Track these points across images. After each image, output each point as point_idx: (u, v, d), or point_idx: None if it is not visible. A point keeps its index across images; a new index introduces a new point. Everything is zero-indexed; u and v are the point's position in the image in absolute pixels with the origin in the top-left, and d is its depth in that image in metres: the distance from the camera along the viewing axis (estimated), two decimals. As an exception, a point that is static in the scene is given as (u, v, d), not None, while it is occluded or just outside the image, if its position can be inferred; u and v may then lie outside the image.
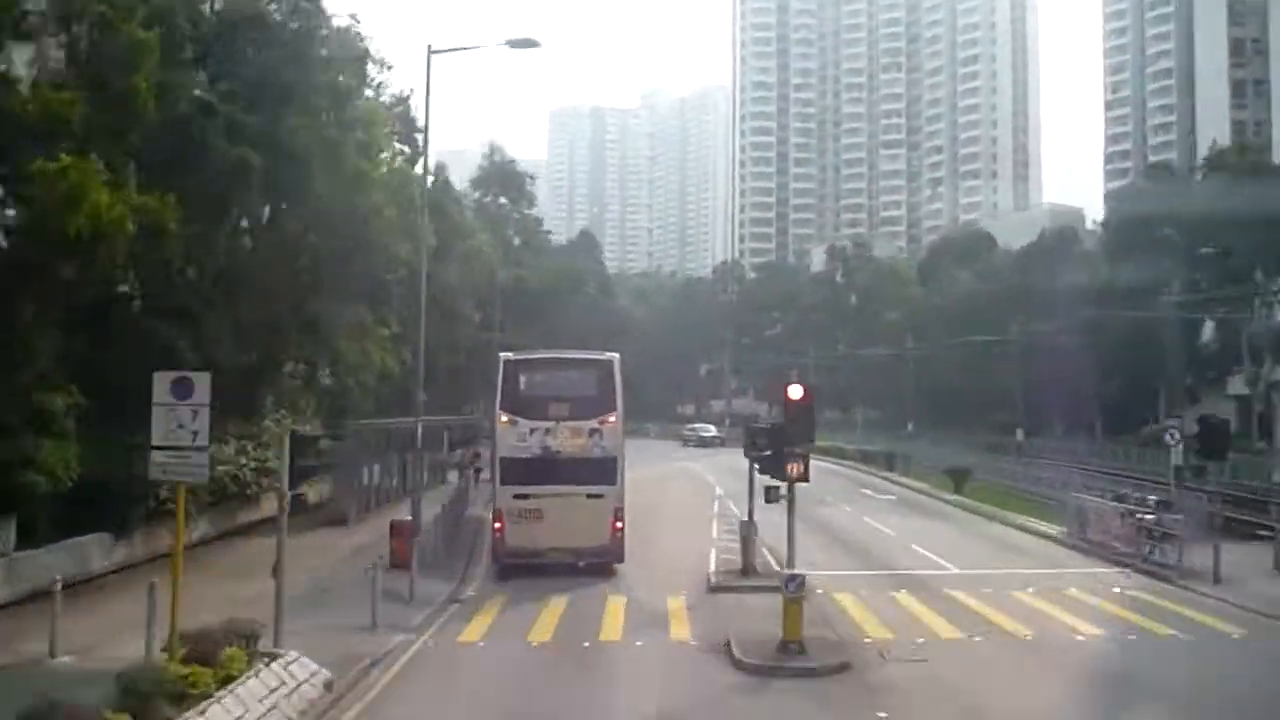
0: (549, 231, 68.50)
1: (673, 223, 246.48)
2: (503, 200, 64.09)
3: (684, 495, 42.16)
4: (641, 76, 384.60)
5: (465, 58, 50.72)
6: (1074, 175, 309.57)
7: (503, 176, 62.44)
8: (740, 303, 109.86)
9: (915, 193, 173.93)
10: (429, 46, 26.51)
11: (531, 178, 64.28)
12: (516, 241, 65.28)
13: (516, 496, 23.86)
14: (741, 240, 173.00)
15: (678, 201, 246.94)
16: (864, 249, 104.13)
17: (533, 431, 23.85)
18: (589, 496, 23.88)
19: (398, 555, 22.33)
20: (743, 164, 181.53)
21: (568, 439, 23.91)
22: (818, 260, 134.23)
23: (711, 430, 79.20)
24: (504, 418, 24.27)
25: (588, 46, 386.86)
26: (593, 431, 24.00)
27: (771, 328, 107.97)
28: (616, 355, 25.42)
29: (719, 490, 40.50)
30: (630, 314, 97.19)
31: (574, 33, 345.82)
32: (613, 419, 24.06)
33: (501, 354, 25.79)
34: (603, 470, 23.93)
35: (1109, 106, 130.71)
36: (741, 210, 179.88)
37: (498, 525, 24.09)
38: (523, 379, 25.01)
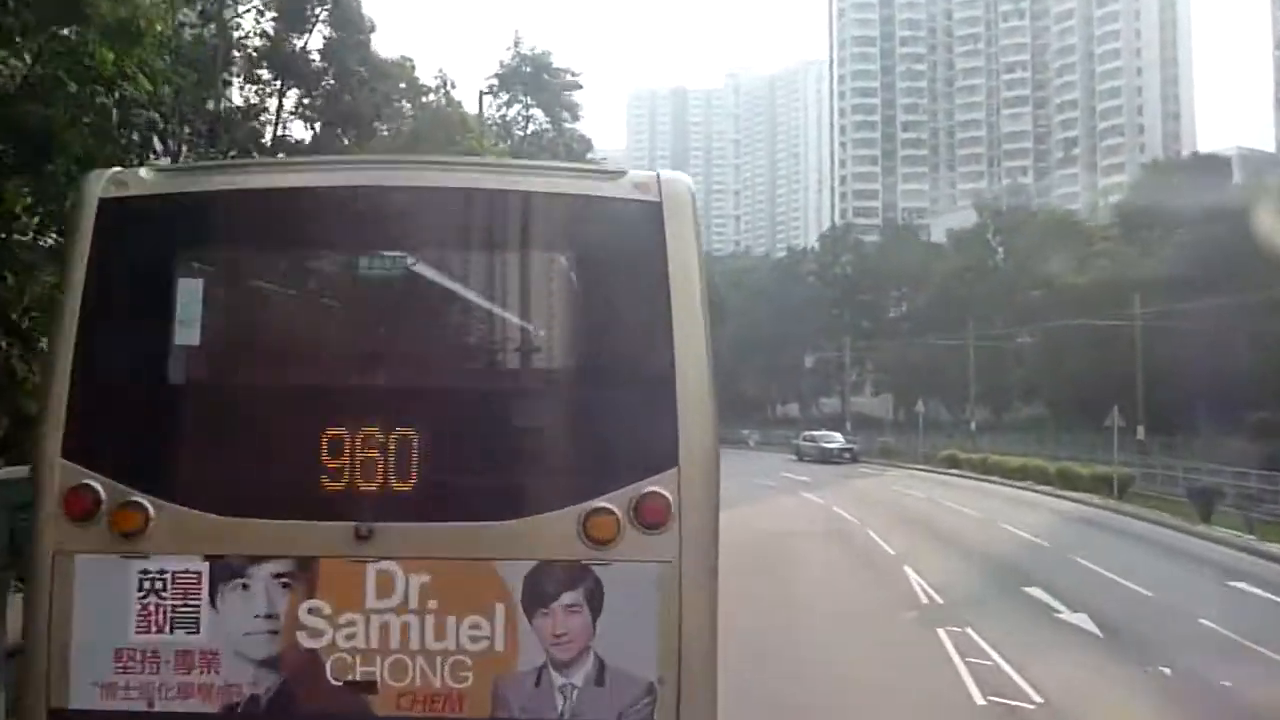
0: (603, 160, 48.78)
1: (761, 207, 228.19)
2: (534, 111, 44.46)
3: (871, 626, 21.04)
4: (725, 55, 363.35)
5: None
6: (1230, 124, 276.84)
7: (534, 72, 42.81)
8: (857, 276, 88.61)
9: (1044, 156, 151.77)
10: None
11: (574, 76, 44.33)
12: (556, 169, 45.98)
13: None
14: (842, 216, 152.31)
15: (767, 185, 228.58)
16: (1024, 198, 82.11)
17: (235, 581, 4.68)
18: None
19: None
20: (843, 130, 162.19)
21: (423, 621, 4.65)
22: (938, 232, 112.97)
23: (838, 440, 58.21)
24: (84, 498, 4.66)
25: (667, 28, 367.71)
26: (557, 579, 4.69)
27: (896, 306, 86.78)
28: (681, 183, 5.20)
29: (927, 589, 20.08)
30: (721, 297, 76.88)
31: (653, 15, 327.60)
32: (665, 497, 4.75)
33: (92, 176, 5.21)
34: None
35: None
36: (842, 183, 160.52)
37: None
38: (194, 306, 5.00)
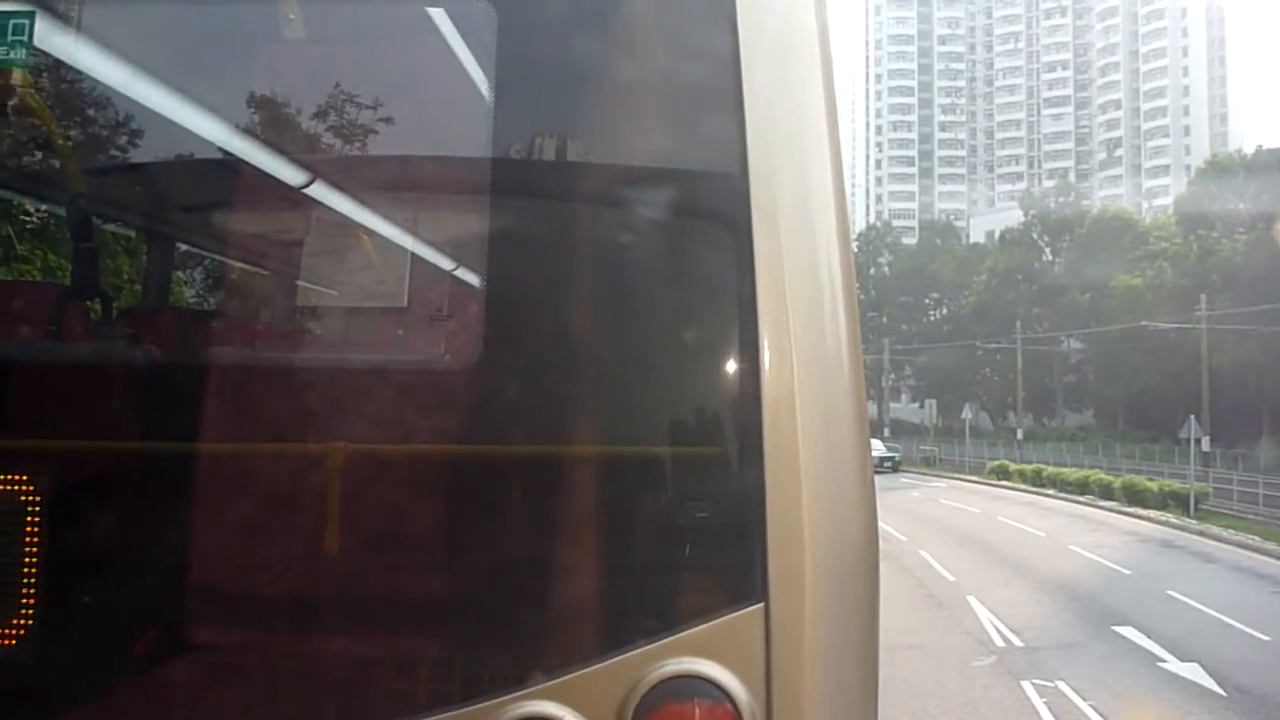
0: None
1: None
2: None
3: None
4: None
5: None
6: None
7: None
8: (895, 278, 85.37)
9: (1085, 157, 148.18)
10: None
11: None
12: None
13: None
14: (878, 217, 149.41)
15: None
16: (1072, 195, 78.63)
17: None
18: None
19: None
20: (879, 130, 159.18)
21: None
22: (976, 233, 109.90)
23: (879, 448, 54.84)
24: None
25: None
26: None
27: (936, 309, 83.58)
28: None
29: (1000, 627, 17.45)
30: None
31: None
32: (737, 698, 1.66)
33: None
34: None
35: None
36: (878, 184, 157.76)
37: None
38: None
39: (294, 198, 2.27)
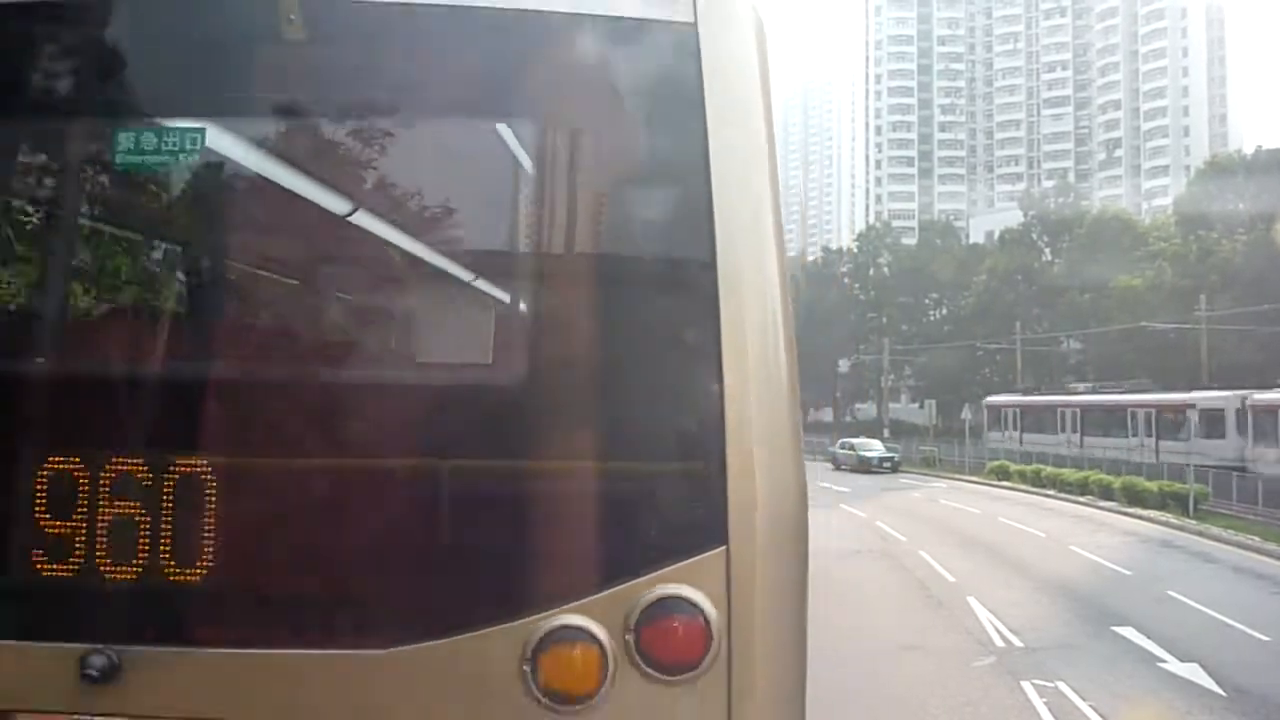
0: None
1: (792, 212, 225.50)
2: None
3: None
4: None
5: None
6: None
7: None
8: (895, 278, 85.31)
9: (1085, 158, 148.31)
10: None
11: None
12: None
13: None
14: (877, 217, 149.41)
15: (798, 189, 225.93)
16: (1071, 195, 78.52)
17: None
18: None
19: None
20: (879, 130, 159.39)
21: None
22: (976, 233, 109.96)
23: (878, 448, 54.80)
24: None
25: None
26: None
27: (936, 309, 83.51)
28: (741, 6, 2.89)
29: (1000, 627, 17.32)
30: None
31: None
32: (702, 609, 2.47)
33: None
34: None
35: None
36: (877, 184, 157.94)
37: None
38: None
39: (381, 254, 2.91)
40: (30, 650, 2.40)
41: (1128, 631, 15.93)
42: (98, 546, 2.42)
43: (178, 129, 2.61)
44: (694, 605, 2.45)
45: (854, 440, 56.67)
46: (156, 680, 2.38)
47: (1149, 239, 63.76)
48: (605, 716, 2.40)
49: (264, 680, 2.43)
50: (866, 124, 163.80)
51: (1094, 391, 50.83)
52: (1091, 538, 27.41)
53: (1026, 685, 13.08)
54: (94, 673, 2.34)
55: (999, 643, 15.44)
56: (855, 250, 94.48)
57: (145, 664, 2.38)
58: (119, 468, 2.44)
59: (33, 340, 2.74)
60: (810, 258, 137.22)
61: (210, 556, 2.44)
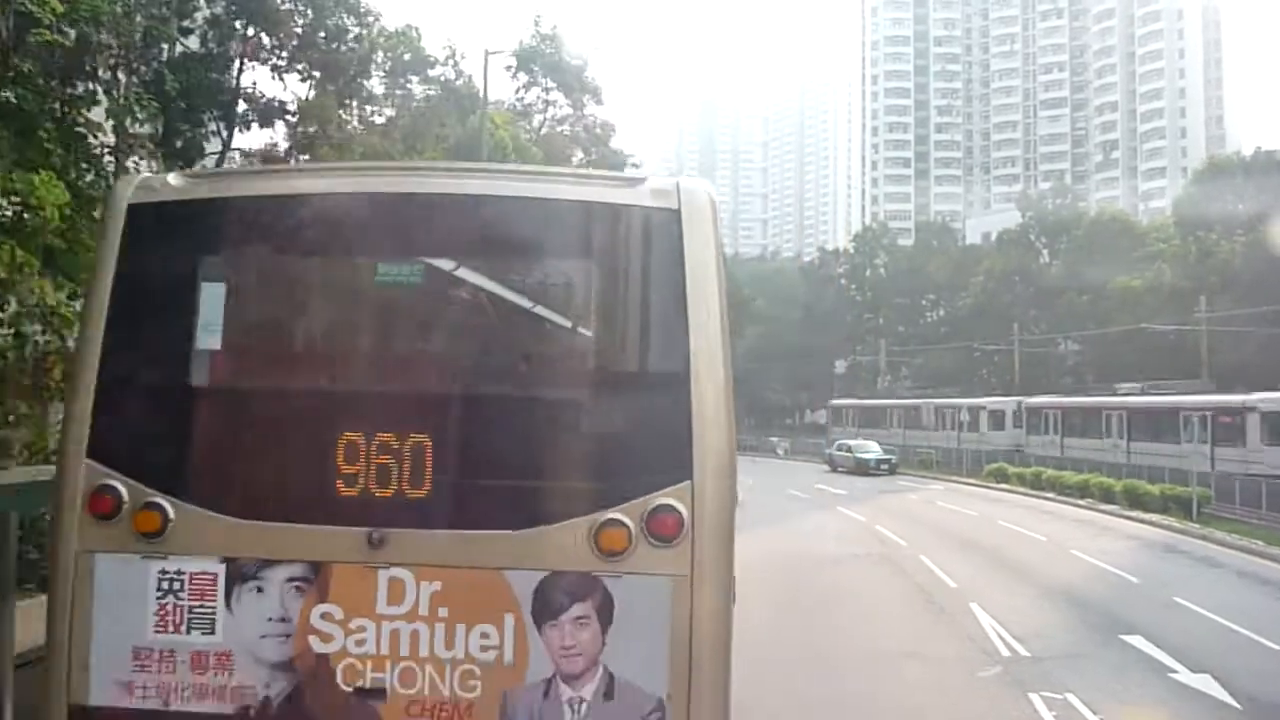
0: (627, 158, 45.13)
1: (789, 212, 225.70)
2: (554, 95, 41.34)
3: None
4: (754, 55, 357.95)
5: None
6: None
7: (555, 52, 39.65)
8: (891, 279, 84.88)
9: (1082, 159, 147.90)
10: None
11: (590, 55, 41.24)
12: (579, 159, 42.62)
13: None
14: (874, 220, 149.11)
15: (795, 189, 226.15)
16: (1069, 197, 78.04)
17: (250, 583, 4.65)
18: None
19: None
20: (875, 131, 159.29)
21: (432, 630, 4.56)
22: (973, 235, 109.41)
23: (875, 450, 54.11)
24: (106, 498, 4.67)
25: (695, 29, 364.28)
26: (567, 591, 4.62)
27: (933, 310, 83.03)
28: (701, 190, 5.05)
29: (1005, 635, 16.80)
30: (747, 300, 73.58)
31: (680, 14, 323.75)
32: (678, 510, 4.68)
33: (121, 182, 5.59)
34: None
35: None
36: (874, 185, 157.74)
37: None
38: (215, 303, 4.97)
39: (480, 322, 5.17)
40: (339, 532, 4.53)
41: (1136, 640, 15.50)
42: (371, 478, 4.54)
43: (391, 266, 4.95)
44: (674, 508, 4.55)
45: (851, 442, 56.04)
46: (403, 545, 4.53)
47: (1148, 240, 63.36)
48: (629, 564, 4.49)
49: (454, 546, 4.56)
50: (863, 124, 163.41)
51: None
52: (1094, 542, 26.98)
53: (1034, 697, 12.65)
54: (372, 543, 4.51)
55: (1004, 651, 15.00)
56: (852, 251, 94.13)
57: (396, 538, 4.52)
58: (380, 439, 4.56)
59: (343, 373, 5.07)
60: (806, 259, 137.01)
61: (426, 484, 4.55)
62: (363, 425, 4.54)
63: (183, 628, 4.51)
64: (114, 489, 4.55)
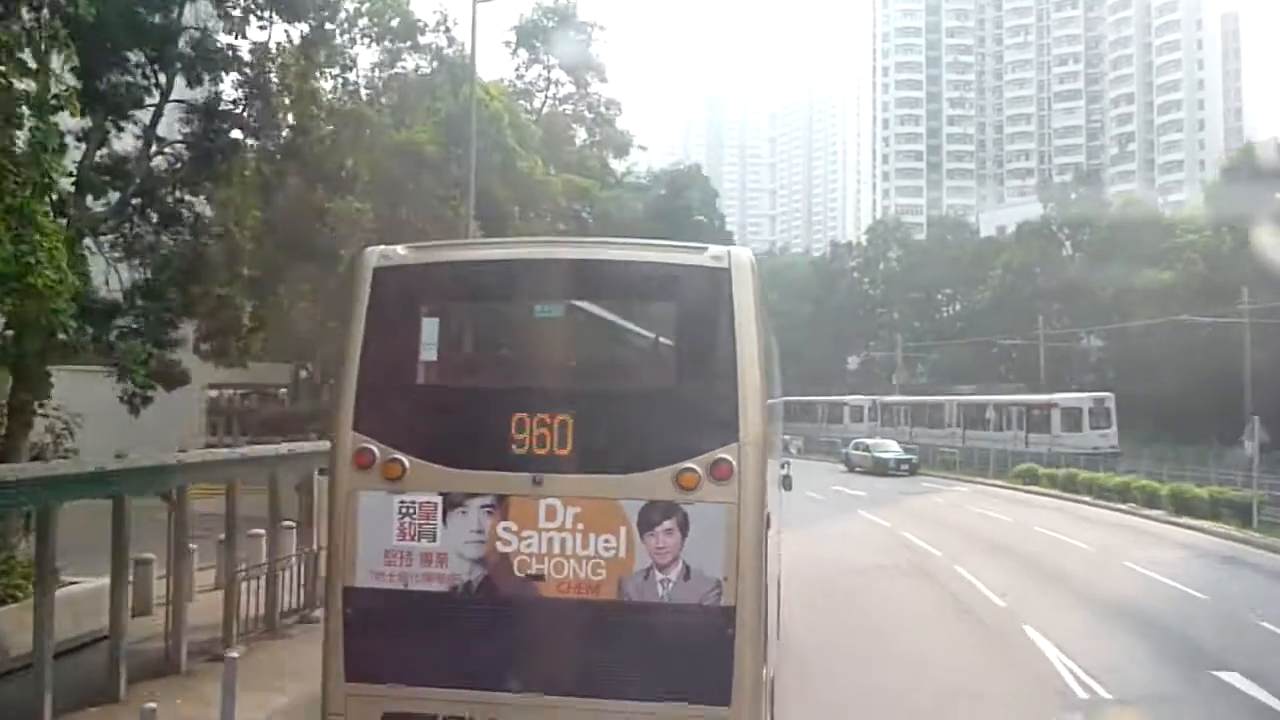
0: (632, 138, 42.63)
1: (798, 207, 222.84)
2: (556, 73, 38.97)
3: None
4: (762, 48, 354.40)
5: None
6: None
7: (558, 26, 37.22)
8: (906, 272, 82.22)
9: (1097, 152, 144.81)
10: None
11: (595, 29, 38.54)
12: (583, 139, 40.21)
13: None
14: (885, 213, 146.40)
15: (803, 184, 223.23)
16: (1095, 187, 75.16)
17: (457, 509, 7.04)
18: None
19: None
20: (885, 124, 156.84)
21: (573, 538, 6.93)
22: (987, 228, 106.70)
23: (894, 449, 51.34)
24: (366, 455, 7.15)
25: (702, 21, 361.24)
26: (659, 513, 6.88)
27: (950, 304, 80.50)
28: (744, 255, 7.44)
29: (1074, 669, 14.25)
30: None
31: (679, 10, 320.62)
32: (730, 461, 6.85)
33: (370, 251, 7.68)
34: (692, 649, 6.81)
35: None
36: (885, 179, 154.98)
37: None
38: (433, 334, 7.64)
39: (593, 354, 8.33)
40: (514, 476, 6.76)
41: (1233, 679, 13.09)
42: (534, 441, 6.76)
43: (543, 305, 7.40)
44: (727, 460, 6.66)
45: (869, 441, 53.09)
46: (554, 484, 6.71)
47: (1176, 231, 60.71)
48: (699, 496, 6.62)
49: (587, 484, 6.74)
50: (873, 118, 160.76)
51: None
52: (1144, 551, 24.46)
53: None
54: (535, 482, 6.72)
55: (1080, 692, 12.61)
56: (865, 244, 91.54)
57: (550, 479, 6.72)
58: (539, 416, 6.77)
59: (514, 374, 7.66)
60: (816, 253, 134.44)
61: (568, 445, 6.74)
62: (527, 407, 6.81)
63: (414, 537, 6.86)
64: (370, 450, 6.91)
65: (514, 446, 6.73)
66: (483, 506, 6.78)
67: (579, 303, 7.52)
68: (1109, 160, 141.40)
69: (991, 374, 73.33)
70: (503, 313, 7.90)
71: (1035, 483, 41.78)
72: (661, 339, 7.81)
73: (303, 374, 39.23)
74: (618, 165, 43.61)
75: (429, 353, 7.27)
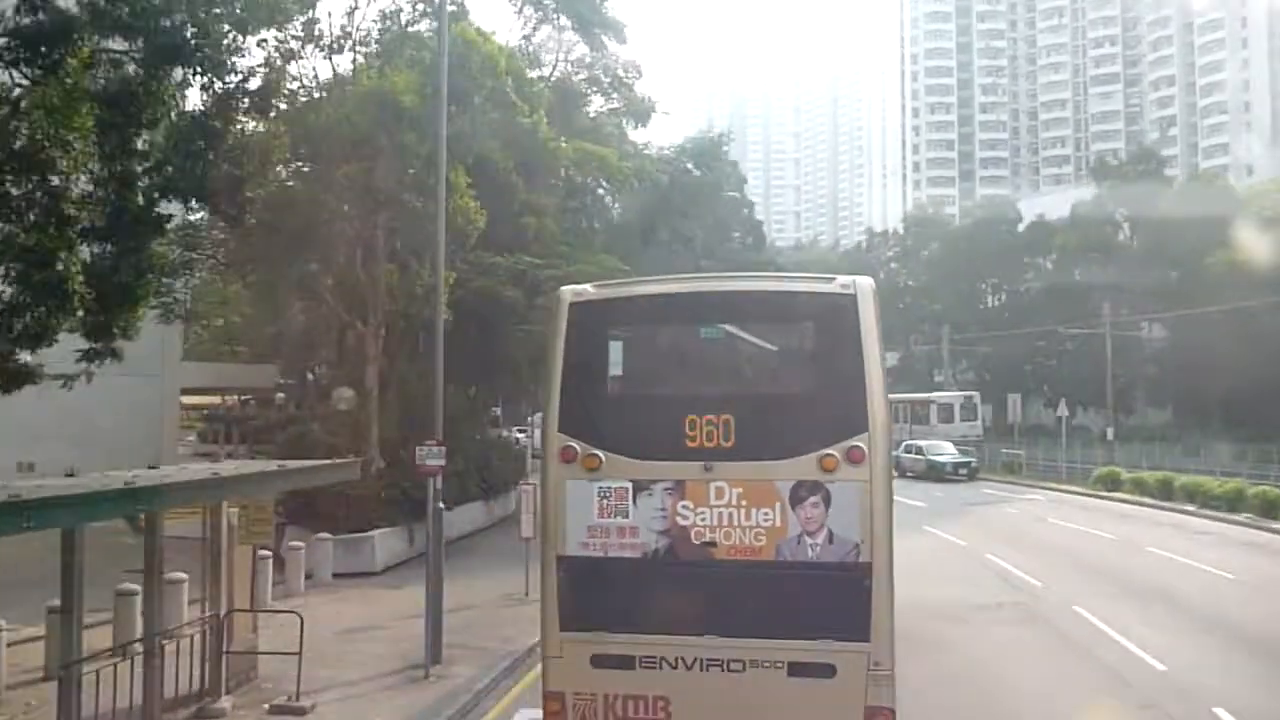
0: (654, 104, 37.83)
1: (823, 203, 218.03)
2: (568, 37, 34.37)
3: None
4: (784, 41, 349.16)
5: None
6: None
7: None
8: (945, 261, 77.01)
9: (1137, 138, 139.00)
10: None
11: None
12: (598, 107, 35.65)
13: (601, 660, 8.52)
14: (916, 205, 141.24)
15: (829, 178, 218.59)
16: (1153, 163, 69.54)
17: (644, 491, 8.55)
18: (796, 671, 8.25)
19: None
20: (915, 113, 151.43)
21: (738, 512, 8.38)
22: (1028, 212, 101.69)
23: (949, 451, 46.32)
24: (570, 452, 8.70)
25: (718, 17, 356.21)
26: (806, 490, 8.32)
27: (995, 294, 75.40)
28: (866, 282, 8.86)
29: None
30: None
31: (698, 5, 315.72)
32: (862, 448, 8.27)
33: (565, 290, 9.40)
34: (836, 598, 8.32)
35: None
36: (916, 169, 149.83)
37: None
38: (619, 355, 9.63)
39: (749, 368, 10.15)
40: (689, 464, 8.28)
41: None
42: (704, 436, 8.30)
43: (706, 328, 9.18)
44: (860, 447, 8.11)
45: (921, 443, 47.62)
46: (722, 470, 8.23)
47: (1254, 206, 55.46)
48: (839, 476, 8.09)
49: (748, 469, 8.23)
50: (902, 107, 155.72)
51: None
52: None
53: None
54: (706, 469, 8.24)
55: None
56: (902, 233, 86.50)
57: (718, 466, 8.24)
58: (707, 417, 8.31)
59: (686, 383, 9.18)
60: (843, 246, 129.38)
61: (731, 439, 8.24)
62: (697, 409, 8.37)
63: (611, 515, 8.40)
64: (572, 447, 8.48)
65: (688, 441, 8.29)
66: (665, 489, 8.35)
67: (733, 326, 9.26)
68: (1150, 146, 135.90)
69: (1039, 369, 68.34)
70: (674, 335, 9.43)
71: (1117, 488, 36.71)
72: (803, 350, 9.40)
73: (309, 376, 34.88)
74: (638, 138, 38.89)
75: (616, 368, 9.13)
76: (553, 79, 34.87)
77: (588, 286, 9.06)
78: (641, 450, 8.37)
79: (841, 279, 8.58)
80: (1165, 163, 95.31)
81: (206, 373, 39.54)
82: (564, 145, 28.95)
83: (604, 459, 8.35)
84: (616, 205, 38.27)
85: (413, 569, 21.16)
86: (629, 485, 8.31)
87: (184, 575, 13.55)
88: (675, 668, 8.23)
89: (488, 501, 28.13)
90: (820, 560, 8.03)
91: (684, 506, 8.21)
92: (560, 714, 8.42)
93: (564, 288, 9.11)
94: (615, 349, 9.09)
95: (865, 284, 8.49)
